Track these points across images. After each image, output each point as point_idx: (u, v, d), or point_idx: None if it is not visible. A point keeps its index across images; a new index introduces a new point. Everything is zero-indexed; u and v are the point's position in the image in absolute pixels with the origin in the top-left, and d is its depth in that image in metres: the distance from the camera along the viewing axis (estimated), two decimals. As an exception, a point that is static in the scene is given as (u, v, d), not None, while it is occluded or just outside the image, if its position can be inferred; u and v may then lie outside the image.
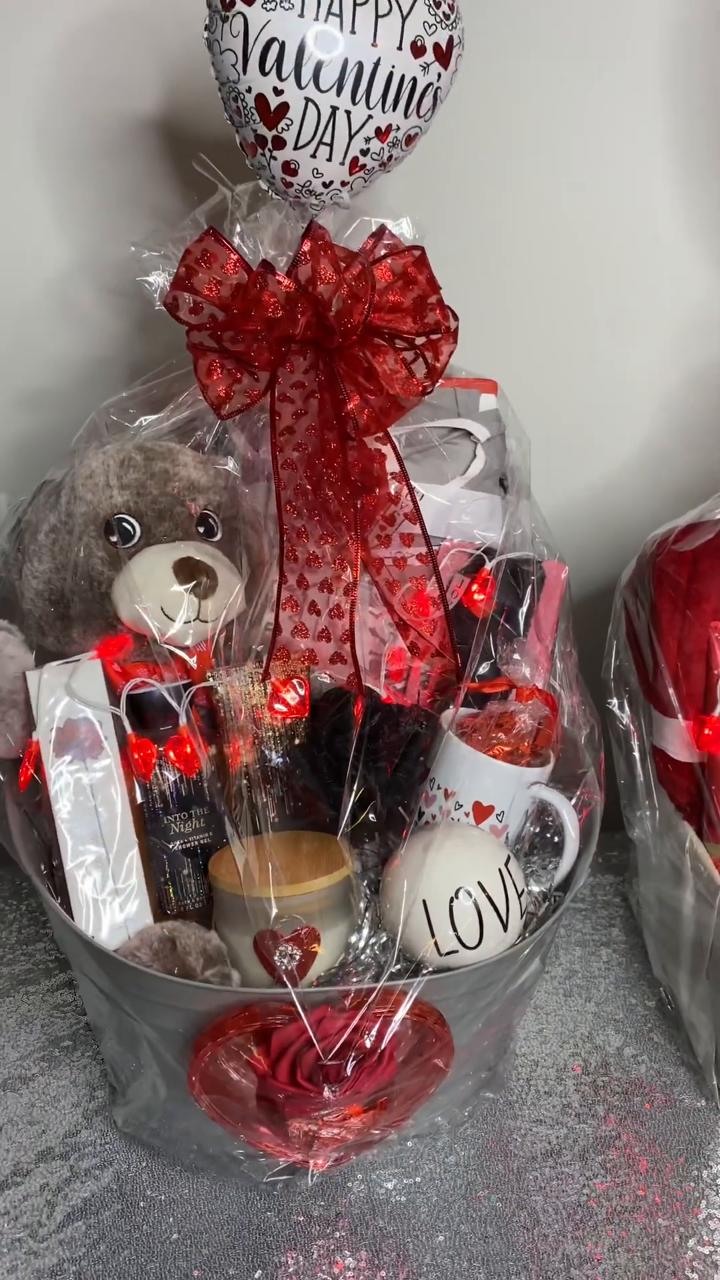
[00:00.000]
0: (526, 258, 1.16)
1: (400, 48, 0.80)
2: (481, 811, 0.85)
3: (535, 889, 0.85)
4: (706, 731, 0.95)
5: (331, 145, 0.82)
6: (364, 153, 0.83)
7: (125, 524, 0.87)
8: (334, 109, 0.80)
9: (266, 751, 0.86)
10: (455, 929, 0.78)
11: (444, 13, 0.82)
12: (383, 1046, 0.73)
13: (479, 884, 0.78)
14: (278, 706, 0.86)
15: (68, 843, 0.81)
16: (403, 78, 0.81)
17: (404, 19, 0.80)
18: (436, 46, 0.82)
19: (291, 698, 0.86)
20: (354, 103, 0.81)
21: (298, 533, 0.88)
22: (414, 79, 0.82)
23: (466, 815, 0.85)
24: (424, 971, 0.78)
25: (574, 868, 0.86)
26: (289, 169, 0.83)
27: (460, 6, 0.84)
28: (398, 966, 0.79)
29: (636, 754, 0.99)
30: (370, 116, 0.82)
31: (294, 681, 0.87)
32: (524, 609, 0.92)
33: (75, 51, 1.07)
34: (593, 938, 1.11)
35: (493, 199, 1.13)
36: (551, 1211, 0.85)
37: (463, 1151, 0.89)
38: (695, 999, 0.97)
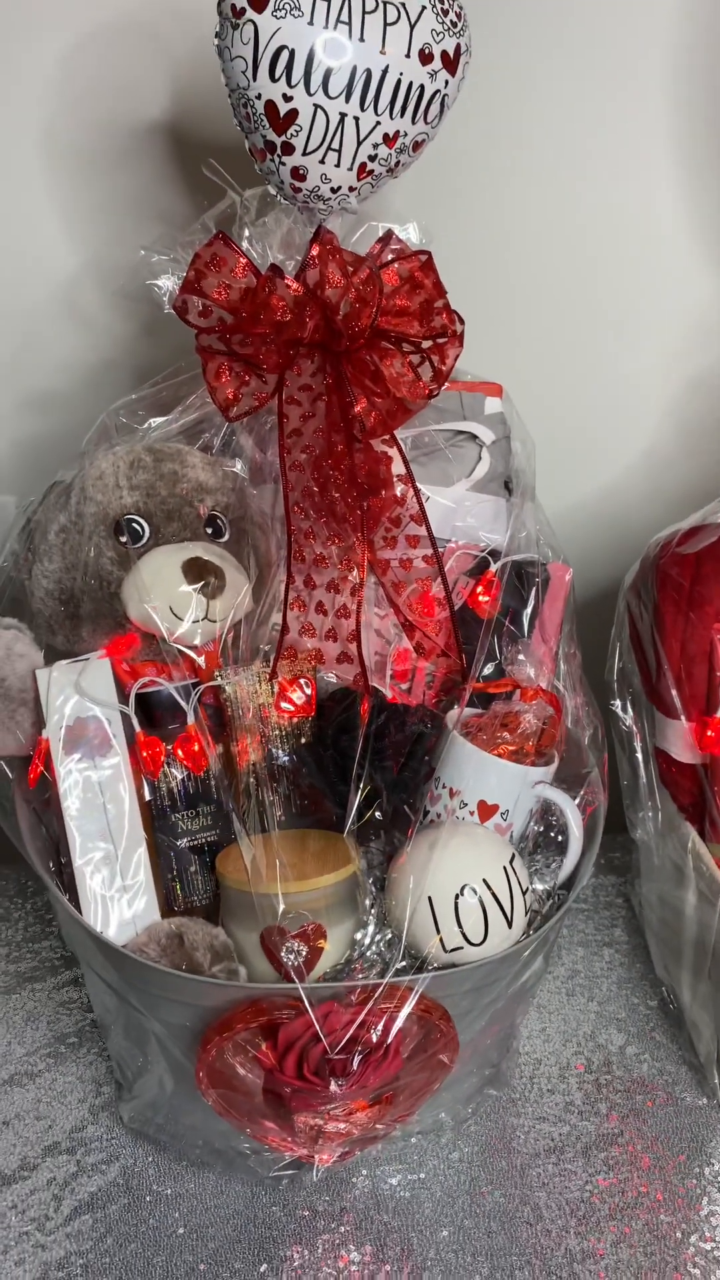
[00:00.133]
0: (532, 263, 1.16)
1: (408, 55, 0.81)
2: (486, 810, 0.86)
3: (539, 887, 0.86)
4: (709, 733, 0.95)
5: (340, 151, 0.83)
6: (372, 159, 0.84)
7: (134, 524, 0.87)
8: (342, 115, 0.81)
9: (273, 750, 0.86)
10: (460, 926, 0.79)
11: (451, 21, 0.83)
12: (388, 1041, 0.74)
13: (484, 881, 0.79)
14: (284, 705, 0.87)
15: (76, 839, 0.82)
16: (410, 85, 0.82)
17: (412, 27, 0.81)
18: (444, 54, 0.83)
19: (298, 697, 0.87)
20: (362, 109, 0.81)
21: (305, 534, 0.89)
22: (421, 86, 0.82)
23: (471, 814, 0.86)
24: (429, 968, 0.78)
25: (577, 866, 0.87)
26: (298, 174, 0.84)
27: (468, 14, 0.85)
28: (403, 963, 0.79)
29: (639, 755, 1.00)
30: (378, 123, 0.82)
31: (301, 681, 0.87)
32: (528, 610, 0.93)
33: (84, 57, 1.08)
34: (595, 938, 1.12)
35: (499, 204, 1.14)
36: (555, 1207, 0.85)
37: (466, 1148, 0.90)
38: (697, 998, 0.98)
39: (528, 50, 1.08)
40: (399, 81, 0.81)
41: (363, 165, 0.84)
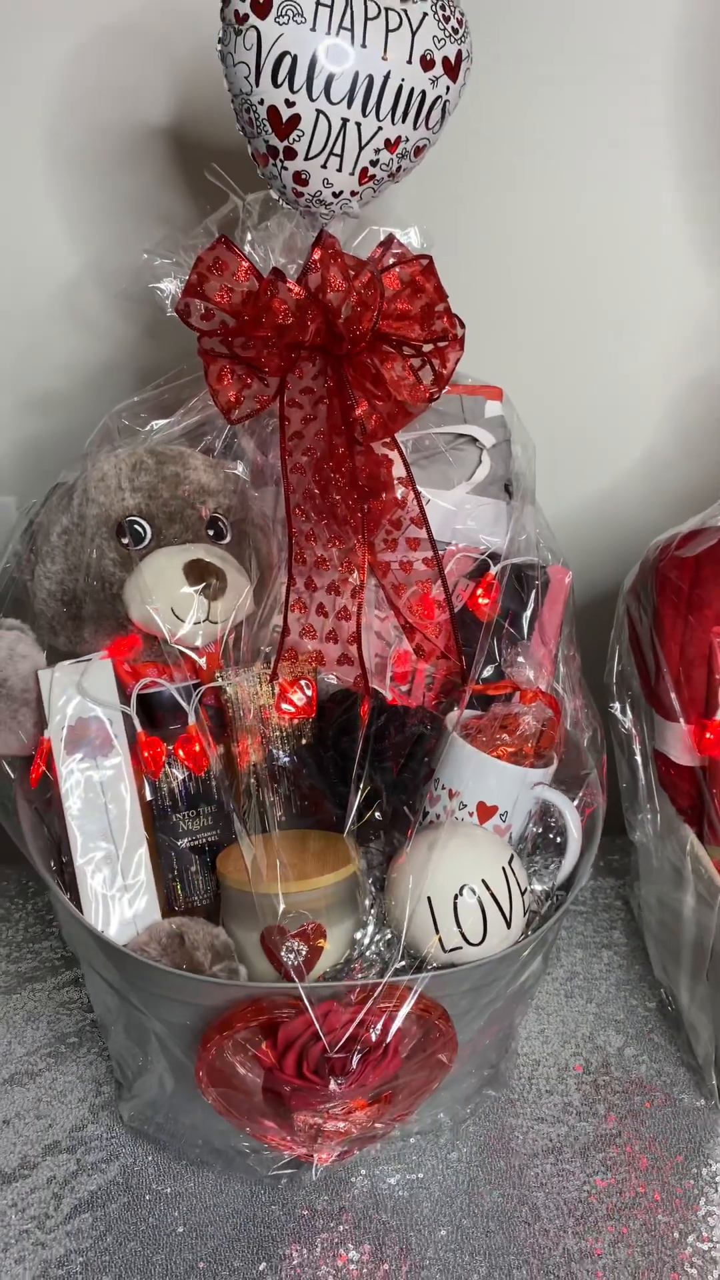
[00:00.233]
0: (532, 267, 1.17)
1: (410, 61, 0.82)
2: (485, 811, 0.86)
3: (538, 888, 0.86)
4: (708, 735, 0.96)
5: (342, 156, 0.83)
6: (373, 164, 0.84)
7: (136, 526, 0.88)
8: (344, 121, 0.82)
9: (274, 751, 0.87)
10: (459, 926, 0.79)
11: (453, 28, 0.83)
12: (388, 1040, 0.74)
13: (483, 882, 0.80)
14: (285, 707, 0.87)
15: (78, 839, 0.82)
16: (412, 91, 0.82)
17: (414, 33, 0.82)
18: (445, 60, 0.83)
19: (299, 698, 0.88)
20: (364, 115, 0.82)
21: (306, 536, 0.89)
22: (423, 92, 0.83)
23: (470, 815, 0.86)
24: (428, 968, 0.79)
25: (576, 867, 0.87)
26: (300, 179, 0.84)
27: (469, 21, 0.85)
28: (402, 963, 0.80)
29: (638, 758, 1.00)
30: (380, 128, 0.83)
31: (301, 682, 0.88)
32: (528, 613, 0.94)
33: (87, 60, 1.09)
34: (594, 940, 1.12)
35: (499, 209, 1.15)
36: (553, 1207, 0.86)
37: (465, 1148, 0.90)
38: (695, 1000, 0.98)
39: (528, 55, 1.09)
40: (400, 87, 0.82)
41: (364, 170, 0.85)
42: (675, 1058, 0.99)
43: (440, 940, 0.79)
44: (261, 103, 0.81)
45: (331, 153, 0.83)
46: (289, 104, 0.81)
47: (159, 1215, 0.84)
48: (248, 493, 0.94)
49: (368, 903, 0.83)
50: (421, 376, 0.87)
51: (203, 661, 0.87)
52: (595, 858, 0.89)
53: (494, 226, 1.15)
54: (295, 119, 0.81)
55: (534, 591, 0.94)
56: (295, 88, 0.80)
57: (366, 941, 0.82)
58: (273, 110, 0.81)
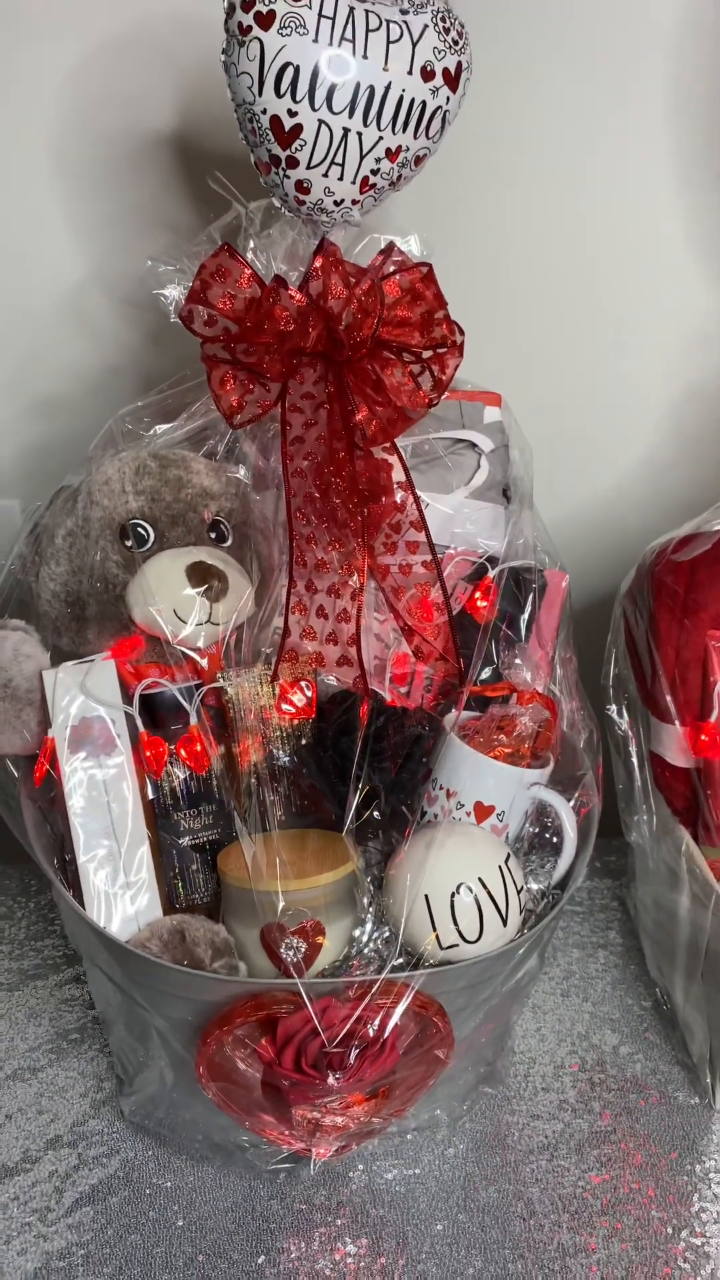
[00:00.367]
0: (530, 273, 1.17)
1: (410, 72, 0.83)
2: (482, 811, 0.87)
3: (534, 887, 0.87)
4: (703, 737, 0.96)
5: (343, 165, 0.84)
6: (374, 173, 0.85)
7: (140, 529, 0.89)
8: (346, 131, 0.82)
9: (274, 751, 0.87)
10: (456, 923, 0.80)
11: (453, 39, 0.84)
12: (385, 1036, 0.75)
13: (480, 880, 0.81)
14: (285, 707, 0.88)
15: (80, 837, 0.83)
16: (412, 101, 0.83)
17: (414, 45, 0.83)
18: (445, 71, 0.84)
19: (299, 699, 0.88)
20: (365, 125, 0.83)
21: (307, 539, 0.90)
22: (423, 102, 0.84)
23: (468, 815, 0.87)
24: (425, 965, 0.80)
25: (572, 867, 0.88)
26: (302, 188, 0.85)
27: (469, 32, 0.86)
28: (400, 960, 0.81)
29: (634, 759, 1.00)
30: (381, 138, 0.84)
31: (301, 683, 0.89)
32: (525, 616, 0.94)
33: (91, 69, 1.10)
34: (590, 940, 1.13)
35: (498, 217, 1.15)
36: (548, 1203, 0.87)
37: (461, 1144, 0.91)
38: (690, 999, 0.99)
39: (527, 61, 1.10)
40: (401, 98, 0.83)
41: (365, 179, 0.85)
42: (670, 1056, 1.00)
43: (437, 937, 0.80)
44: (264, 112, 0.82)
45: (333, 162, 0.84)
46: (291, 114, 0.82)
47: (159, 1209, 0.85)
48: (249, 496, 0.95)
49: (366, 901, 0.83)
50: (421, 382, 0.88)
51: (204, 662, 0.88)
52: (591, 859, 0.89)
53: (492, 232, 1.15)
54: (298, 128, 0.82)
55: (531, 595, 0.95)
56: (298, 98, 0.81)
57: (365, 939, 0.82)
58: (275, 120, 0.82)
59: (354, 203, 0.87)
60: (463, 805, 0.87)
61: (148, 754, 0.85)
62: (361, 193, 0.86)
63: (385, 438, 0.89)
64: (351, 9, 0.81)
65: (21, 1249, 0.82)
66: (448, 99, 0.86)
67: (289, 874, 0.80)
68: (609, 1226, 0.85)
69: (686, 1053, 1.00)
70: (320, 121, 0.82)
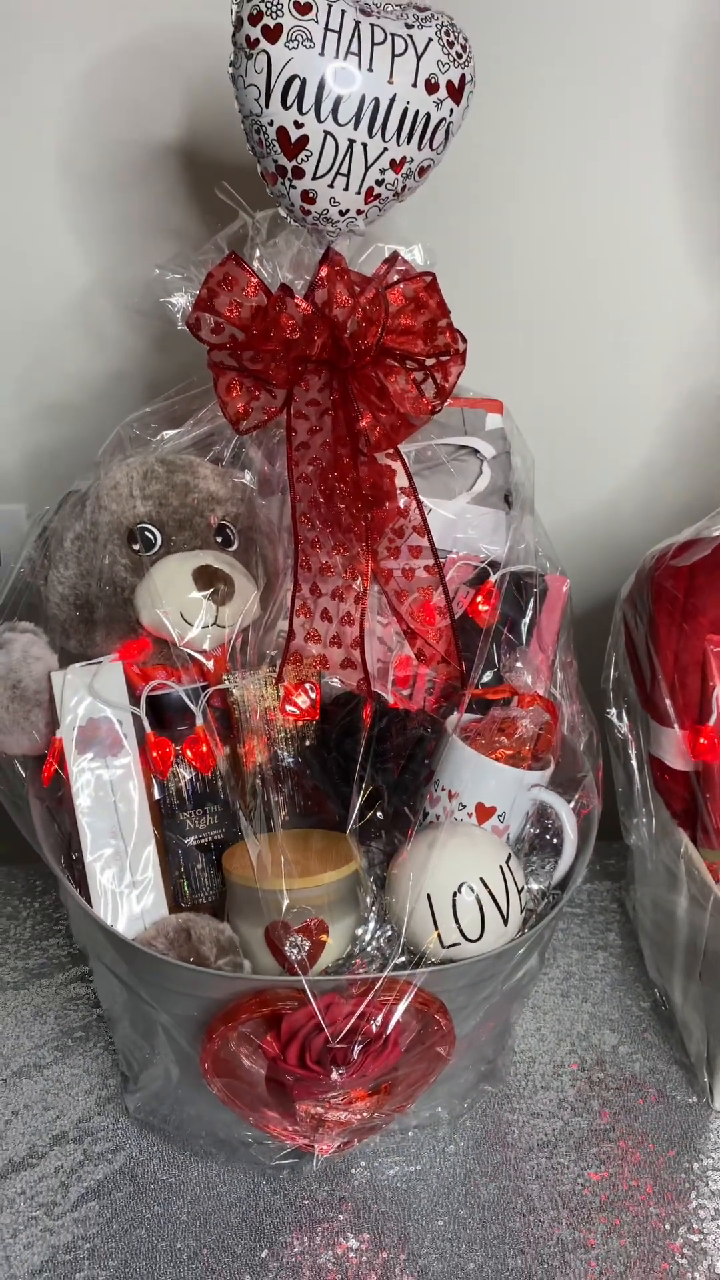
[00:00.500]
0: (532, 283, 1.18)
1: (415, 85, 0.84)
2: (484, 812, 0.88)
3: (534, 887, 0.88)
4: (701, 741, 0.97)
5: (348, 176, 0.85)
6: (379, 183, 0.87)
7: (147, 533, 0.90)
8: (351, 142, 0.84)
9: (279, 752, 0.88)
10: (458, 922, 0.81)
11: (457, 52, 0.86)
12: (388, 1032, 0.77)
13: (481, 879, 0.82)
14: (290, 709, 0.89)
15: (88, 836, 0.84)
16: (417, 113, 0.85)
17: (419, 58, 0.84)
18: (449, 84, 0.86)
19: (303, 701, 0.89)
20: (370, 136, 0.84)
21: (311, 543, 0.91)
22: (428, 114, 0.85)
23: (469, 816, 0.88)
24: (427, 963, 0.81)
25: (572, 867, 0.89)
26: (307, 198, 0.86)
27: (472, 45, 0.87)
28: (402, 958, 0.82)
29: (634, 762, 1.01)
30: (385, 149, 0.85)
31: (306, 685, 0.90)
32: (526, 620, 0.95)
33: (99, 79, 1.11)
34: (590, 941, 1.14)
35: (500, 227, 1.16)
36: (547, 1199, 0.88)
37: (462, 1141, 0.92)
38: (688, 1000, 1.00)
39: (528, 77, 1.11)
40: (406, 110, 0.84)
41: (370, 189, 0.87)
42: (668, 1056, 1.01)
43: (439, 936, 0.81)
44: (271, 124, 0.84)
45: (338, 172, 0.85)
46: (298, 125, 0.83)
47: (164, 1203, 0.86)
48: (255, 501, 0.96)
49: (369, 900, 0.84)
50: (424, 390, 0.89)
51: (210, 664, 0.89)
52: (591, 861, 0.90)
53: (494, 241, 1.16)
54: (304, 140, 0.84)
55: (532, 599, 0.96)
56: (304, 110, 0.83)
57: (368, 938, 0.84)
58: (282, 131, 0.84)
59: (359, 213, 0.88)
60: (464, 806, 0.88)
61: (154, 755, 0.86)
62: (366, 203, 0.88)
63: (389, 444, 0.90)
64: (357, 23, 0.83)
65: (28, 1242, 0.83)
66: (451, 111, 0.87)
67: (293, 873, 0.81)
68: (608, 1223, 0.86)
69: (685, 1052, 1.01)
70: (326, 133, 0.83)
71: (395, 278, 0.89)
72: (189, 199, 1.15)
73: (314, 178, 0.85)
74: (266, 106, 0.83)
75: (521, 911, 0.84)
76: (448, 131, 0.88)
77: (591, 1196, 0.88)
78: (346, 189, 0.86)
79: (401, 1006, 0.77)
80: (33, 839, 0.88)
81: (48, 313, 1.19)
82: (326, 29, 0.82)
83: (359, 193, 0.87)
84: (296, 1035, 0.76)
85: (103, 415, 1.17)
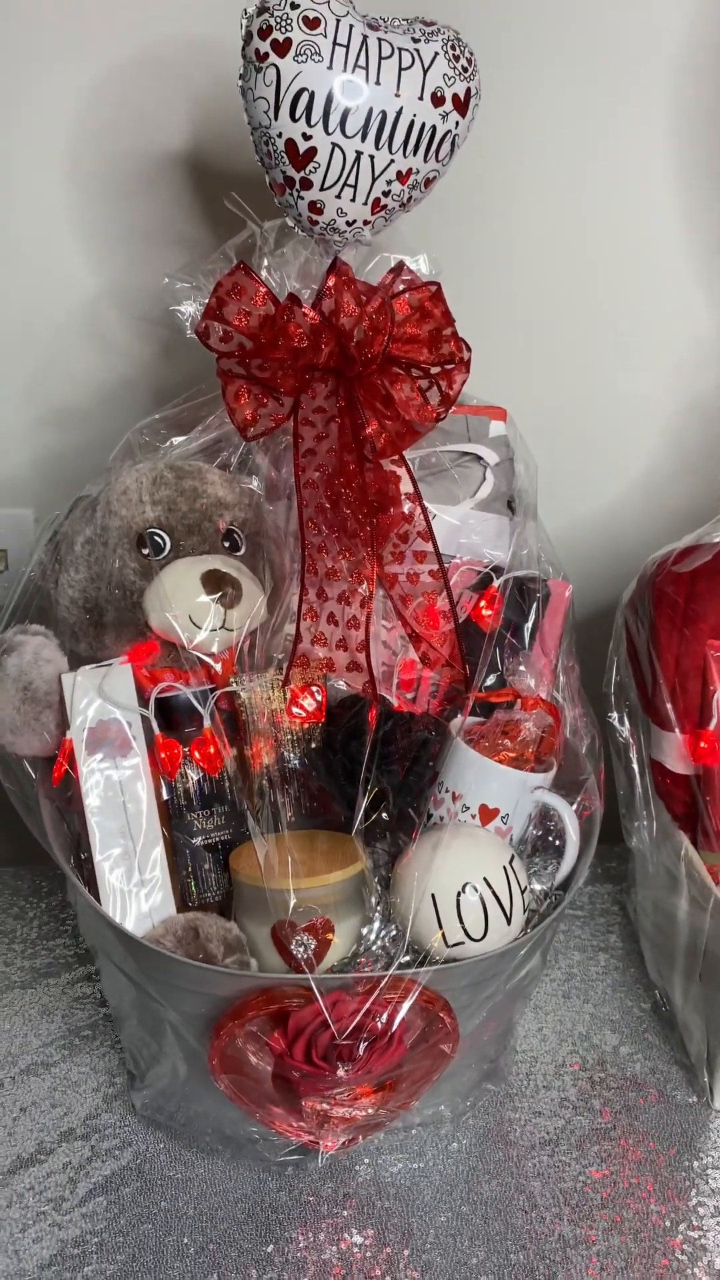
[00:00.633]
0: (535, 291, 1.19)
1: (421, 98, 0.85)
2: (487, 814, 0.89)
3: (537, 888, 0.89)
4: (702, 745, 0.98)
5: (355, 187, 0.86)
6: (385, 194, 0.88)
7: (156, 537, 0.91)
8: (358, 154, 0.85)
9: (285, 754, 0.89)
10: (462, 922, 0.82)
11: (463, 66, 0.87)
12: (393, 1030, 0.78)
13: (484, 880, 0.83)
14: (296, 711, 0.90)
15: (97, 836, 0.85)
16: (423, 125, 0.86)
17: (425, 71, 0.85)
18: (455, 97, 0.87)
19: (309, 703, 0.91)
20: (377, 148, 0.85)
21: (317, 548, 0.92)
22: (433, 127, 0.86)
23: (473, 817, 0.89)
24: (432, 962, 0.81)
25: (574, 868, 0.90)
26: (315, 208, 0.87)
27: (478, 59, 0.88)
28: (407, 957, 0.83)
29: (635, 766, 1.02)
30: (392, 161, 0.86)
31: (312, 688, 0.91)
32: (529, 624, 0.96)
33: (108, 90, 1.11)
34: (591, 943, 1.15)
35: (503, 236, 1.17)
36: (549, 1196, 0.89)
37: (465, 1139, 0.93)
38: (689, 1000, 1.01)
39: (531, 88, 1.12)
40: (412, 123, 0.85)
41: (377, 200, 0.88)
42: (669, 1056, 1.02)
43: (444, 935, 0.82)
44: (280, 136, 0.85)
45: (346, 184, 0.86)
46: (306, 137, 0.84)
47: (170, 1199, 0.87)
48: (262, 506, 0.97)
49: (374, 900, 0.85)
50: (429, 397, 0.90)
51: (218, 667, 0.90)
52: (592, 864, 0.91)
53: (500, 254, 1.17)
54: (312, 151, 0.85)
55: (535, 604, 0.96)
56: (312, 122, 0.84)
57: (373, 937, 0.85)
58: (290, 143, 0.85)
59: (365, 223, 0.89)
60: (468, 808, 0.89)
61: (163, 756, 0.87)
62: (373, 213, 0.89)
63: (394, 450, 0.91)
64: (365, 37, 0.84)
65: (37, 1236, 0.84)
66: (457, 123, 0.88)
67: (300, 873, 0.82)
68: (609, 1220, 0.87)
69: (685, 1053, 1.02)
70: (334, 145, 0.84)
71: (401, 287, 0.90)
72: (197, 208, 1.16)
73: (321, 189, 0.86)
74: (275, 119, 0.84)
75: (524, 912, 0.85)
76: (453, 143, 0.89)
77: (593, 1194, 0.89)
78: (354, 200, 0.87)
79: (406, 1004, 0.78)
80: (43, 838, 0.89)
81: (56, 319, 1.19)
82: (335, 43, 0.83)
83: (366, 203, 0.88)
84: (303, 1032, 0.77)
85: (109, 421, 1.18)
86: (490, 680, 0.94)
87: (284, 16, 0.83)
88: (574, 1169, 0.91)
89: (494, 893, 0.83)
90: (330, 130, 0.84)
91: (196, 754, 0.88)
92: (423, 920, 0.83)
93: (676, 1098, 0.98)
